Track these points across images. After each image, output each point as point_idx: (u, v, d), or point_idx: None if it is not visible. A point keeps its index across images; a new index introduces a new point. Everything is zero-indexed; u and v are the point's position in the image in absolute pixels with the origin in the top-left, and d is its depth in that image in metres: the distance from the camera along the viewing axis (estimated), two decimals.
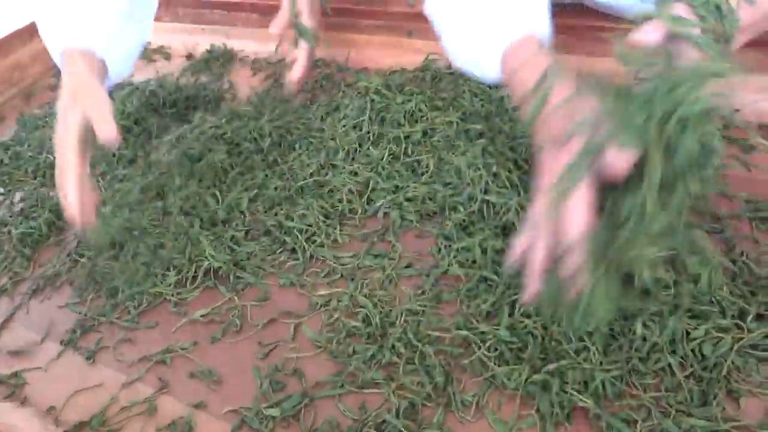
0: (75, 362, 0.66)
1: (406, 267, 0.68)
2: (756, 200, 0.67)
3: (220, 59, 1.15)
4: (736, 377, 0.53)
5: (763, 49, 0.72)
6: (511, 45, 0.58)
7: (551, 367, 0.54)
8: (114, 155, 0.91)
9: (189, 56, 1.20)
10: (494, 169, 0.71)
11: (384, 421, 0.54)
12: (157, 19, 1.24)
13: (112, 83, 0.77)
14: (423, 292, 0.64)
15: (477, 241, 0.66)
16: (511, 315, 0.59)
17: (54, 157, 0.87)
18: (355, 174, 0.80)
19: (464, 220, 0.69)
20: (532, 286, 0.53)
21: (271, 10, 1.10)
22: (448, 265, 0.66)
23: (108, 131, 0.63)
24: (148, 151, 0.91)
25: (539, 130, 0.55)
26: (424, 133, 0.82)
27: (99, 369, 0.64)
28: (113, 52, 0.73)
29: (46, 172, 0.92)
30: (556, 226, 0.49)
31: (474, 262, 0.65)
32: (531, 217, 0.55)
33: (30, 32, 1.21)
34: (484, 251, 0.65)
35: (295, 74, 0.97)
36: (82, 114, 0.65)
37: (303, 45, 0.97)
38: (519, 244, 0.55)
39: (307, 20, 0.96)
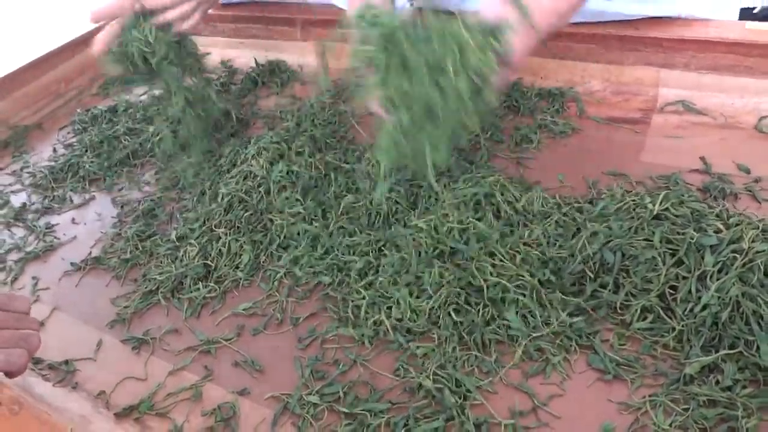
0: (122, 351, 0.69)
1: None
2: None
3: (259, 72, 1.19)
4: None
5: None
6: None
7: None
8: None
9: (229, 69, 1.24)
10: None
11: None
12: (197, 33, 1.29)
13: None
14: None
15: None
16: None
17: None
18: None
19: None
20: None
21: (307, 24, 1.15)
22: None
23: None
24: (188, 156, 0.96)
25: None
26: None
27: (146, 358, 0.67)
28: None
29: (93, 178, 0.98)
30: None
31: None
32: None
33: (76, 45, 1.27)
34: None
35: None
36: None
37: None
38: None
39: None
